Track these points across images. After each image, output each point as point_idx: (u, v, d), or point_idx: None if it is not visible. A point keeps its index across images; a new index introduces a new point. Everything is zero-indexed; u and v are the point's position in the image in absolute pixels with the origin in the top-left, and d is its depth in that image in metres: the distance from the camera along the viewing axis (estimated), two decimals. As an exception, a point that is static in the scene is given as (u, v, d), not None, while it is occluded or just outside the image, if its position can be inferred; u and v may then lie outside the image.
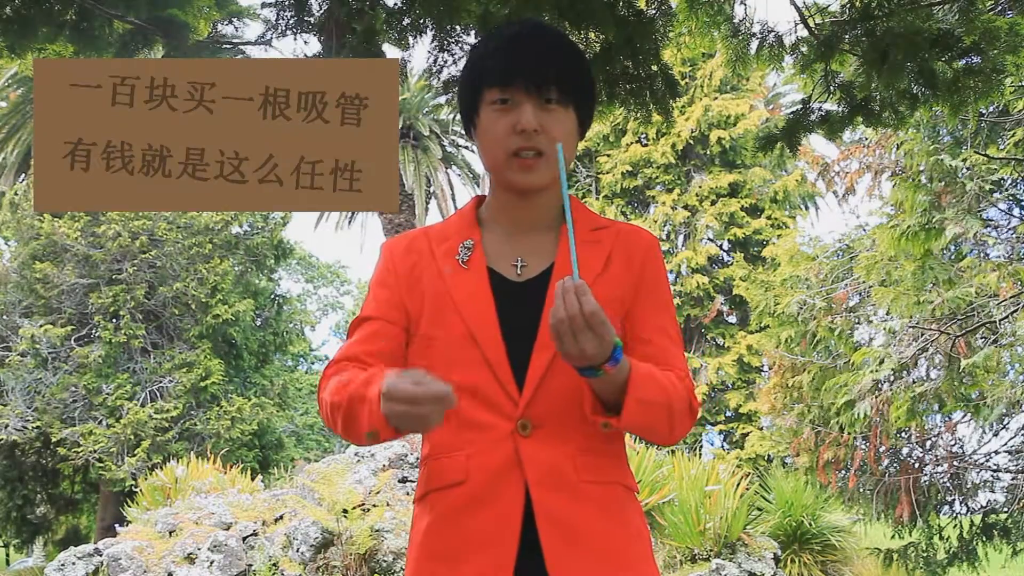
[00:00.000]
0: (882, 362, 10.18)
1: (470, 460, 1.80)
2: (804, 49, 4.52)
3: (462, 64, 4.66)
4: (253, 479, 11.42)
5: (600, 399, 1.74)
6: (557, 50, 1.84)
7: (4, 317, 18.63)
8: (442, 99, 21.41)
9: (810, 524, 10.52)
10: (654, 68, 4.49)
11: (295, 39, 4.68)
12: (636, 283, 1.90)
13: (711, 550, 9.03)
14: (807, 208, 21.81)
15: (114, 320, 18.54)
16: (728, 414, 19.66)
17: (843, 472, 11.13)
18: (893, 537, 11.49)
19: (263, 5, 4.79)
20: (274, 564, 8.30)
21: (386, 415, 1.62)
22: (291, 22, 4.58)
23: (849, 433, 10.71)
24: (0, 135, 23.64)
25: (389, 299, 1.93)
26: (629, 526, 1.83)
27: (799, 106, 4.89)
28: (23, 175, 22.74)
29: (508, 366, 1.80)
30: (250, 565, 8.34)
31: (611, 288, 1.86)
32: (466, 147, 29.40)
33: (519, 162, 1.84)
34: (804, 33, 4.50)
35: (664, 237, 19.99)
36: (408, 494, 9.32)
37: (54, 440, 17.75)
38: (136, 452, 17.33)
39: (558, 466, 1.77)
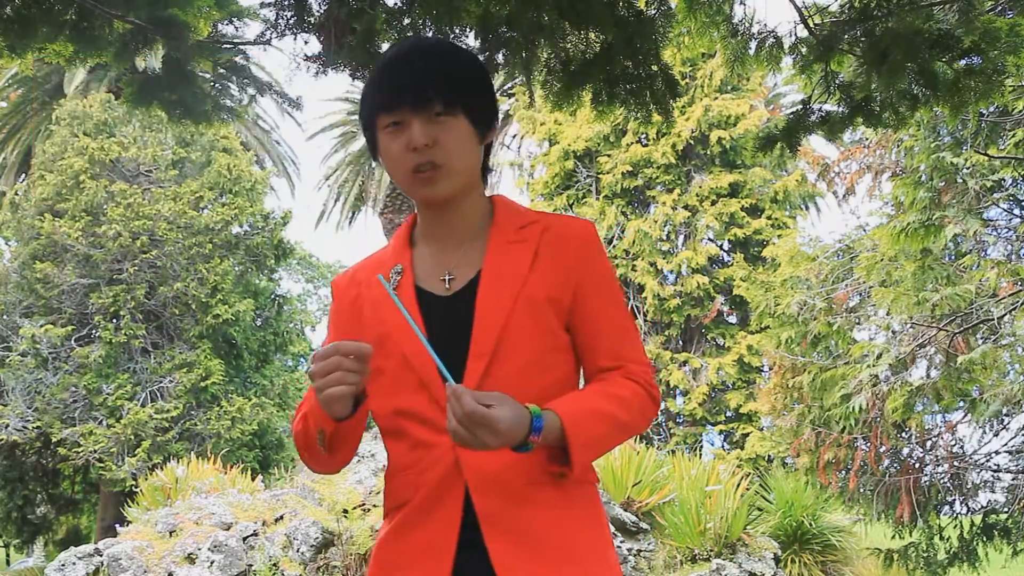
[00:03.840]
0: (880, 356, 10.18)
1: (417, 478, 1.86)
2: (803, 49, 4.51)
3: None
4: (253, 479, 11.43)
5: (550, 450, 1.77)
6: (435, 63, 1.87)
7: (4, 317, 18.65)
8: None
9: (810, 524, 10.52)
10: (654, 68, 4.48)
11: (295, 39, 4.67)
12: (573, 278, 1.90)
13: (711, 550, 9.03)
14: (807, 208, 21.80)
15: (114, 320, 18.56)
16: (728, 414, 19.65)
17: (843, 472, 11.12)
18: (893, 537, 11.49)
19: (263, 5, 4.79)
20: (274, 564, 8.30)
21: (314, 390, 1.73)
22: (291, 22, 4.57)
23: (849, 433, 10.71)
24: (0, 135, 23.67)
25: (336, 336, 2.00)
26: (576, 520, 1.85)
27: (799, 106, 4.88)
28: (23, 175, 22.76)
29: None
30: (250, 565, 8.35)
31: (540, 288, 1.87)
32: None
33: (418, 177, 1.88)
34: (804, 33, 4.50)
35: (664, 237, 19.98)
36: (408, 494, 9.32)
37: (54, 440, 17.77)
38: (136, 452, 17.35)
39: (499, 470, 1.81)
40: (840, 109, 4.67)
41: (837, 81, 4.52)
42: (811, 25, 4.42)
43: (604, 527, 1.92)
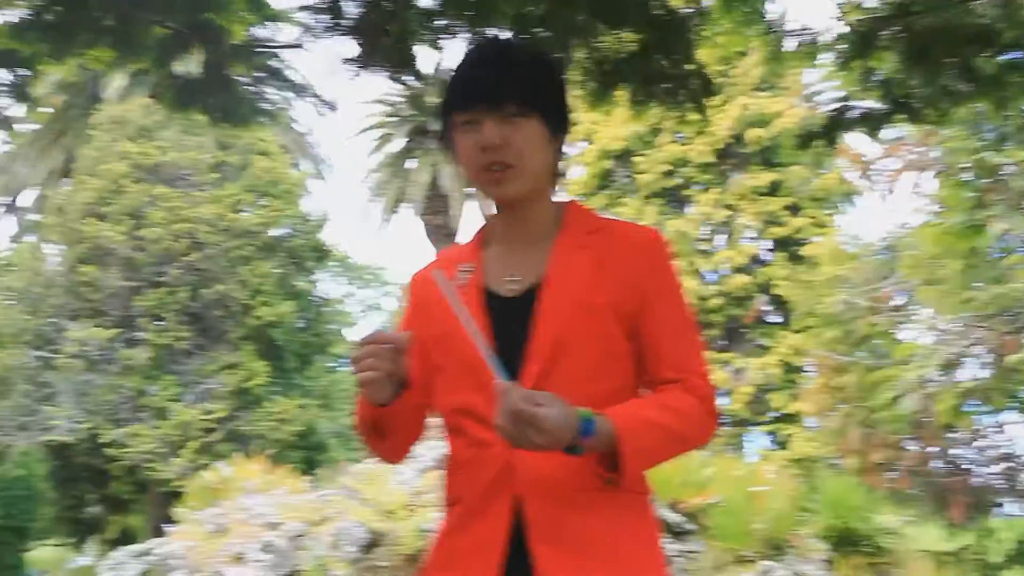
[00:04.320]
0: (928, 357, 10.07)
1: (472, 476, 1.87)
2: (842, 46, 4.45)
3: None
4: (299, 480, 11.48)
5: (600, 456, 1.76)
6: (511, 64, 1.88)
7: (52, 320, 18.88)
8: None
9: (859, 526, 10.40)
10: (689, 67, 4.45)
11: (330, 42, 4.69)
12: (638, 287, 1.88)
13: (758, 552, 8.94)
14: (848, 207, 21.59)
15: (159, 322, 18.73)
16: (772, 415, 19.49)
17: (892, 473, 11.00)
18: (946, 539, 11.34)
19: (299, 8, 4.81)
20: (321, 564, 8.35)
21: (352, 373, 1.78)
22: (326, 25, 4.59)
23: (897, 433, 10.59)
24: (44, 141, 23.98)
25: (409, 331, 1.96)
26: (627, 529, 1.84)
27: (838, 104, 4.82)
28: (66, 179, 23.04)
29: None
30: (298, 565, 8.41)
31: (602, 295, 1.86)
32: (504, 147, 29.39)
33: (489, 176, 1.89)
34: (842, 30, 4.44)
35: (704, 237, 19.85)
36: (451, 495, 9.34)
37: (103, 441, 17.97)
38: (183, 453, 17.52)
39: (550, 475, 1.80)
40: (880, 106, 4.61)
41: (876, 77, 4.46)
42: (849, 22, 4.36)
43: (656, 540, 1.90)
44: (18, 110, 6.28)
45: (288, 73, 5.80)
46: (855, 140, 19.51)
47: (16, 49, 4.67)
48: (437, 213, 28.18)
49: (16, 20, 4.60)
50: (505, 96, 1.84)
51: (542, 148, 1.89)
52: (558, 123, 1.92)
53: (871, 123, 4.68)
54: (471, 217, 28.83)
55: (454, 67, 1.96)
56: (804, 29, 4.47)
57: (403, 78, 4.83)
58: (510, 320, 1.87)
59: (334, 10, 4.56)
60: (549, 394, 1.68)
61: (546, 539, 1.80)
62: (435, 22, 4.35)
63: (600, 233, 1.93)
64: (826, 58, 4.60)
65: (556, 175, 1.98)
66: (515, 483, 1.82)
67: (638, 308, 1.87)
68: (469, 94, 1.87)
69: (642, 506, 1.89)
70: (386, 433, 1.92)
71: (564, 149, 1.98)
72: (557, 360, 1.83)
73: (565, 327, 1.84)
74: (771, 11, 4.45)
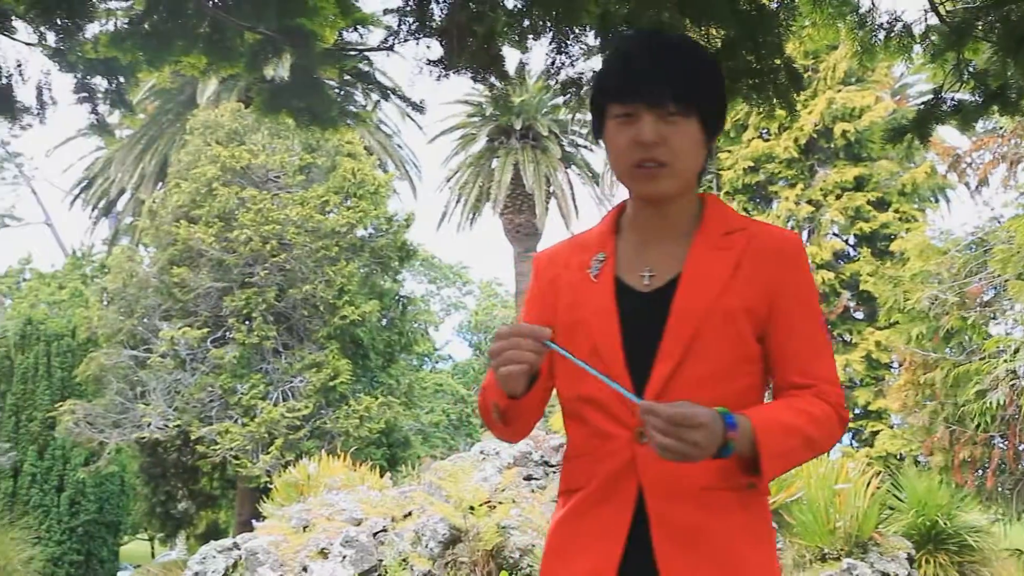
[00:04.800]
0: (1017, 351, 9.82)
1: (592, 466, 1.87)
2: (934, 38, 4.36)
3: (580, 66, 4.65)
4: (382, 476, 11.58)
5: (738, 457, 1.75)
6: (675, 62, 1.84)
7: (145, 320, 19.22)
8: (560, 100, 21.42)
9: (945, 524, 10.18)
10: (777, 62, 4.39)
11: (416, 44, 4.72)
12: (772, 290, 1.85)
13: (841, 549, 8.80)
14: (937, 201, 21.11)
15: (247, 322, 18.97)
16: (857, 411, 19.15)
17: (980, 471, 10.75)
18: (1035, 538, 11.06)
19: (386, 12, 4.85)
20: (404, 559, 8.41)
21: (492, 366, 1.77)
22: (413, 27, 4.63)
23: (985, 430, 10.34)
24: (139, 146, 24.50)
25: (533, 314, 2.00)
26: (746, 529, 1.83)
27: (930, 96, 4.72)
28: (160, 183, 23.51)
29: (628, 381, 1.83)
30: (381, 560, 8.48)
31: (738, 298, 1.84)
32: (585, 146, 29.33)
33: (641, 172, 1.86)
34: (934, 21, 4.35)
35: (788, 233, 19.59)
36: (533, 491, 9.35)
37: (193, 438, 18.24)
38: (270, 450, 17.74)
39: (675, 470, 1.78)
40: (974, 98, 4.50)
41: (970, 69, 4.35)
42: (942, 12, 4.27)
43: (772, 542, 1.90)
44: (115, 116, 6.42)
45: (375, 76, 5.86)
46: (945, 133, 19.12)
47: (115, 57, 4.79)
48: (519, 212, 28.21)
49: (115, 29, 4.72)
50: (668, 95, 1.82)
51: (697, 148, 1.87)
52: (715, 123, 1.89)
53: (964, 115, 4.58)
54: (552, 216, 28.83)
55: (610, 52, 1.96)
56: (895, 21, 4.38)
57: (488, 79, 4.84)
58: (643, 316, 1.86)
59: (421, 13, 4.60)
60: (685, 402, 1.67)
61: (669, 536, 1.80)
62: (521, 23, 4.36)
63: (738, 234, 1.90)
64: (918, 50, 4.50)
65: (702, 173, 1.96)
66: (639, 477, 1.82)
67: (770, 311, 1.85)
68: (630, 88, 1.84)
69: (762, 508, 1.88)
70: (511, 420, 1.92)
71: (715, 147, 1.96)
72: (687, 361, 1.82)
73: (698, 329, 1.82)
74: (861, 3, 4.37)
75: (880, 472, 10.49)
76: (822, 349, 1.88)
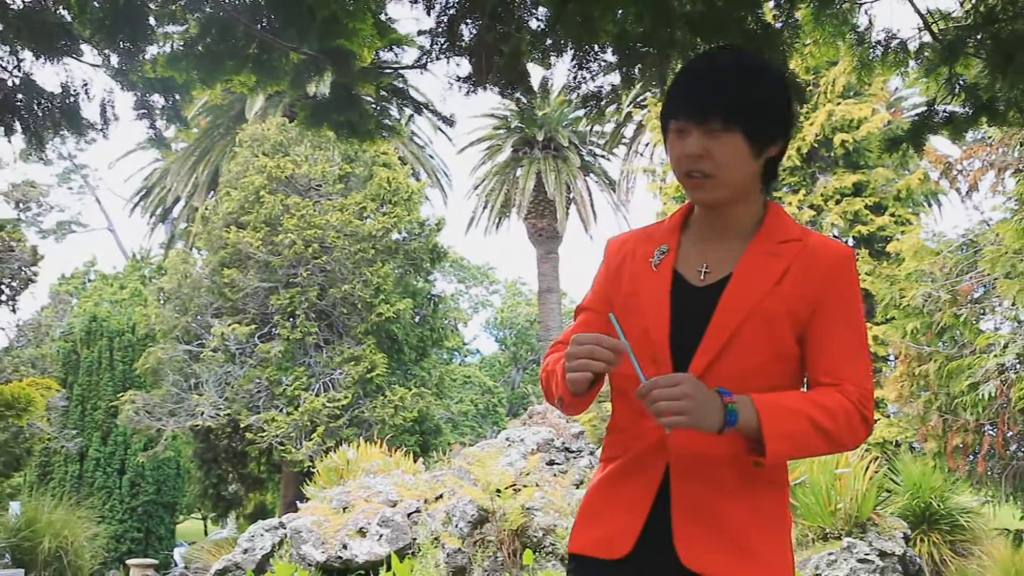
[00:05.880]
0: (1006, 346, 9.73)
1: (629, 440, 1.91)
2: (928, 54, 4.32)
3: (599, 80, 4.65)
4: (415, 461, 11.59)
5: (749, 441, 1.77)
6: (722, 82, 1.86)
7: (198, 317, 19.33)
8: (580, 112, 21.36)
9: (939, 506, 10.12)
10: (782, 77, 4.36)
11: (447, 62, 4.72)
12: (814, 296, 1.85)
13: (842, 529, 8.76)
14: (930, 205, 20.96)
15: (291, 319, 19.05)
16: (855, 401, 19.04)
17: (971, 457, 10.66)
18: (1022, 518, 10.95)
19: (419, 33, 4.86)
20: (435, 538, 8.42)
21: (566, 368, 1.80)
22: (444, 47, 4.63)
23: (976, 419, 10.25)
24: (193, 158, 24.64)
25: (599, 292, 2.05)
26: (763, 516, 1.83)
27: (923, 108, 4.69)
28: (212, 192, 23.63)
29: (670, 365, 1.85)
30: (414, 539, 8.49)
31: (781, 303, 1.84)
32: (602, 156, 29.28)
33: (689, 182, 1.89)
34: (928, 38, 4.31)
35: (791, 235, 19.48)
36: (555, 475, 9.34)
37: (242, 426, 18.33)
38: (312, 437, 17.79)
39: (702, 454, 1.80)
40: (965, 110, 4.46)
41: (962, 83, 4.32)
42: (935, 30, 4.23)
43: (788, 532, 1.89)
44: (171, 130, 6.46)
45: (409, 92, 5.87)
46: (938, 142, 18.96)
47: (172, 76, 4.82)
48: (541, 217, 28.19)
49: (172, 51, 4.75)
50: (710, 112, 1.84)
51: (743, 161, 1.87)
52: (765, 137, 1.88)
53: (956, 126, 4.54)
54: (572, 221, 28.79)
55: (676, 75, 1.98)
56: (891, 38, 4.35)
57: (514, 94, 4.84)
58: (693, 308, 1.88)
59: (451, 33, 4.60)
60: (688, 376, 1.71)
61: (686, 514, 1.81)
62: (544, 42, 4.35)
63: (794, 244, 1.90)
64: (912, 65, 4.47)
65: (768, 180, 1.97)
66: (669, 456, 1.84)
67: (811, 316, 1.85)
68: (680, 105, 1.88)
69: (780, 498, 1.88)
70: (570, 406, 1.96)
71: (780, 156, 1.95)
72: (724, 357, 1.83)
73: (739, 327, 1.83)
74: (859, 22, 4.34)
75: (878, 457, 10.43)
76: (855, 355, 1.86)
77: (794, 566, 1.88)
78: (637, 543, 1.85)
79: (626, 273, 2.00)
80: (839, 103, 18.82)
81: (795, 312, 1.84)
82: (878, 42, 4.33)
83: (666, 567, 1.82)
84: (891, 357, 17.32)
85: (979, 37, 4.03)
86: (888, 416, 17.65)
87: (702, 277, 1.91)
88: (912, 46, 4.35)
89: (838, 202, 19.02)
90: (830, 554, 8.31)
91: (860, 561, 8.21)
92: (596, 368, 1.78)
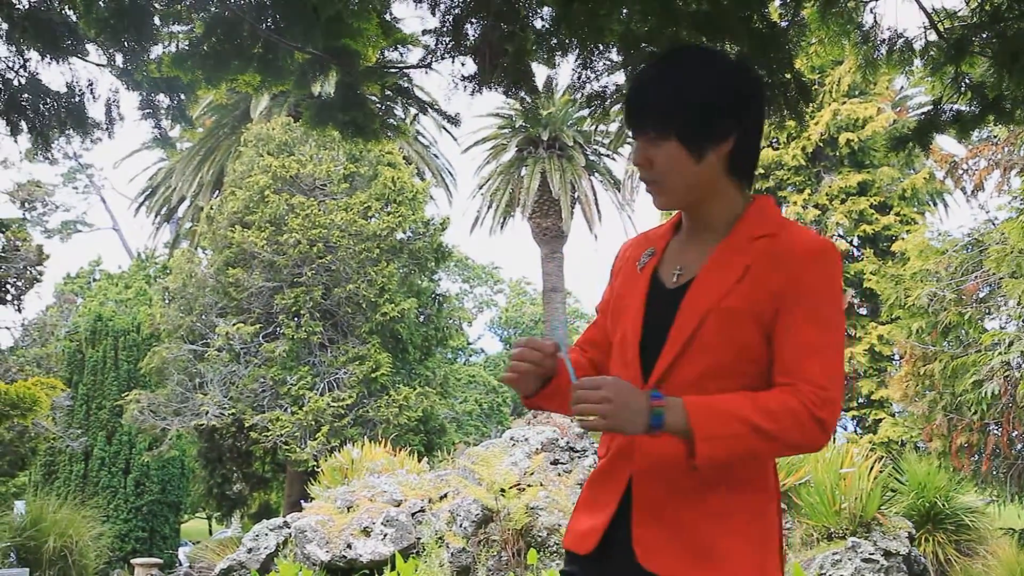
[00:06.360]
0: (1011, 345, 9.72)
1: (610, 440, 1.93)
2: (934, 52, 4.31)
3: (604, 80, 4.64)
4: (419, 461, 11.59)
5: (686, 444, 1.76)
6: (653, 92, 1.87)
7: (203, 317, 19.34)
8: (585, 112, 21.36)
9: (943, 505, 10.10)
10: (787, 76, 4.36)
11: (452, 62, 4.72)
12: (777, 295, 1.80)
13: (847, 529, 8.75)
14: (935, 205, 20.93)
15: (296, 319, 19.06)
16: (860, 400, 19.01)
17: (976, 456, 10.64)
18: (1027, 518, 10.94)
19: (424, 32, 4.86)
20: (440, 537, 8.42)
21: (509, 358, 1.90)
22: (449, 47, 4.62)
23: (981, 418, 10.24)
24: (198, 157, 24.65)
25: (605, 296, 2.08)
26: (727, 516, 1.80)
27: (929, 107, 4.67)
28: (217, 191, 23.64)
29: (639, 367, 1.87)
30: (419, 538, 8.49)
31: (741, 301, 1.81)
32: (607, 155, 29.25)
33: (647, 189, 1.93)
34: (933, 37, 4.30)
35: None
36: (559, 475, 9.35)
37: (247, 425, 18.34)
38: (317, 436, 17.80)
39: (663, 457, 1.80)
40: (971, 108, 4.45)
41: (968, 81, 4.30)
42: (941, 29, 4.22)
43: (766, 542, 1.84)
44: (176, 130, 6.47)
45: (414, 91, 5.87)
46: (943, 141, 18.93)
47: (177, 76, 4.82)
48: (546, 216, 28.18)
49: (177, 51, 4.75)
50: (643, 123, 1.86)
51: (683, 165, 1.85)
52: (705, 138, 1.85)
53: (962, 125, 4.52)
54: (576, 220, 28.78)
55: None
56: (897, 37, 4.34)
57: (519, 94, 4.83)
58: (663, 311, 1.88)
59: (456, 33, 4.60)
60: (611, 380, 1.74)
61: (645, 515, 1.82)
62: (549, 41, 4.35)
63: (765, 239, 1.86)
64: (918, 64, 4.46)
65: (738, 176, 1.93)
66: (634, 458, 1.85)
67: (775, 314, 1.81)
68: (624, 119, 1.92)
69: (750, 504, 1.83)
70: (545, 407, 2.01)
71: (742, 151, 1.91)
72: (684, 358, 1.82)
73: (698, 327, 1.82)
74: (865, 21, 4.34)
75: (882, 457, 10.43)
76: (816, 352, 1.78)
77: (770, 569, 1.83)
78: (601, 541, 1.87)
79: (620, 277, 2.03)
80: (844, 102, 18.81)
81: (758, 310, 1.80)
82: (883, 41, 4.32)
83: (625, 566, 1.82)
84: (896, 357, 17.31)
85: (985, 35, 4.02)
86: (893, 416, 17.64)
87: (675, 279, 1.91)
88: (918, 45, 4.33)
89: (843, 201, 19.01)
90: (835, 554, 8.31)
91: (865, 561, 8.21)
92: (521, 369, 1.85)
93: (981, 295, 10.91)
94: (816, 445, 1.78)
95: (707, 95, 1.85)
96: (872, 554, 8.27)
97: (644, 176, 1.90)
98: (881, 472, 9.40)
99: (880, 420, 17.99)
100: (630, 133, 1.91)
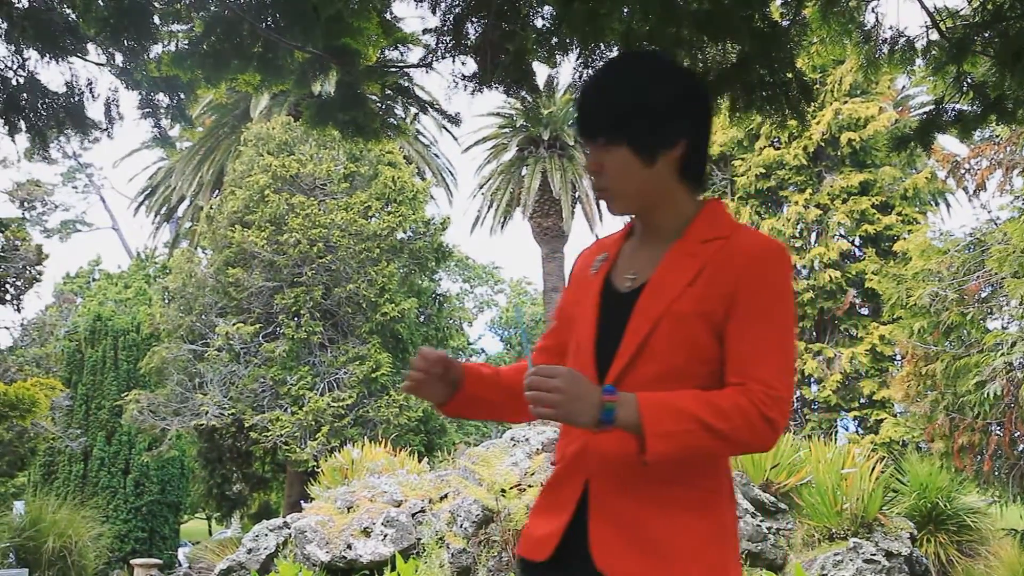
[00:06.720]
0: (1014, 345, 9.72)
1: (564, 446, 1.96)
2: (935, 52, 4.31)
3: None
4: (420, 461, 11.59)
5: (637, 440, 1.77)
6: (598, 98, 1.91)
7: (203, 317, 19.35)
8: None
9: (945, 506, 10.11)
10: (789, 75, 4.35)
11: (452, 61, 4.72)
12: (728, 297, 1.82)
13: (848, 529, 8.74)
14: (937, 204, 20.92)
15: (296, 319, 19.06)
16: (862, 401, 19.00)
17: (978, 456, 10.64)
18: (1029, 518, 10.94)
19: (424, 31, 4.86)
20: (440, 538, 8.42)
21: None
22: (449, 46, 4.63)
23: (983, 419, 10.24)
24: (198, 157, 24.65)
25: (560, 303, 2.10)
26: (680, 517, 1.82)
27: (931, 107, 4.67)
28: (216, 191, 23.65)
29: (594, 371, 1.88)
30: (419, 539, 8.49)
31: (693, 303, 1.83)
32: (608, 155, 29.23)
33: (599, 196, 1.98)
34: (935, 36, 4.30)
35: (797, 235, 19.44)
36: (560, 475, 9.33)
37: (247, 425, 18.34)
38: (317, 436, 17.81)
39: (617, 459, 1.82)
40: (973, 108, 4.44)
41: (970, 81, 4.30)
42: (943, 28, 4.22)
43: (716, 538, 1.85)
44: (176, 129, 6.47)
45: (414, 91, 5.87)
46: (945, 141, 18.92)
47: (177, 75, 4.82)
48: (546, 216, 28.19)
49: (176, 50, 4.75)
50: (593, 130, 1.90)
51: (634, 170, 1.88)
52: (655, 143, 1.88)
53: (964, 125, 4.52)
54: (577, 220, 28.80)
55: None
56: (898, 36, 4.34)
57: (520, 93, 4.83)
58: (617, 315, 1.90)
59: (456, 32, 4.60)
60: (566, 370, 1.74)
61: (604, 518, 1.84)
62: (550, 40, 4.35)
63: (716, 242, 1.88)
64: (919, 63, 4.45)
65: (689, 180, 1.95)
66: (588, 462, 1.87)
67: (726, 315, 1.83)
68: (576, 127, 1.96)
69: (705, 503, 1.85)
70: (467, 415, 2.10)
71: (692, 155, 1.93)
72: (638, 362, 1.84)
73: (651, 331, 1.84)
74: (866, 20, 4.33)
75: (884, 457, 10.42)
76: (767, 352, 1.80)
77: (725, 568, 1.85)
78: (559, 546, 1.88)
79: (574, 284, 2.06)
80: (846, 102, 18.80)
81: (710, 312, 1.82)
82: (885, 40, 4.32)
83: (583, 571, 1.83)
84: (898, 357, 17.30)
85: (987, 35, 4.02)
86: (895, 416, 17.63)
87: (628, 284, 1.93)
88: (919, 44, 4.33)
89: (844, 201, 19.00)
90: (836, 554, 8.30)
91: (866, 561, 8.20)
92: (414, 378, 1.93)
93: (983, 295, 10.91)
94: (766, 444, 1.80)
95: (657, 101, 1.88)
96: (874, 555, 8.27)
97: (597, 183, 1.92)
98: (883, 473, 9.40)
99: (882, 420, 17.99)
100: (581, 141, 1.95)
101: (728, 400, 1.76)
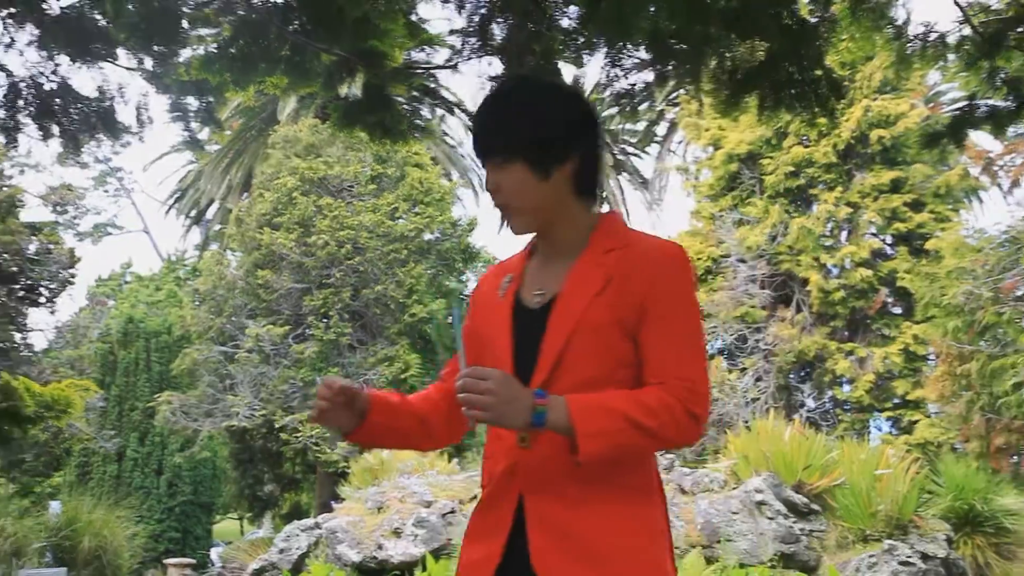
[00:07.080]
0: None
1: (491, 467, 1.98)
2: (968, 47, 4.26)
3: (632, 78, 4.62)
4: (450, 462, 11.61)
5: (569, 441, 1.78)
6: (492, 117, 1.96)
7: (233, 319, 19.46)
8: (613, 111, 21.33)
9: (982, 507, 9.97)
10: (818, 73, 4.32)
11: (479, 62, 4.73)
12: (639, 302, 1.86)
13: (883, 531, 8.65)
14: (970, 202, 20.66)
15: (325, 320, 19.14)
16: (895, 401, 18.81)
17: (1015, 457, 10.51)
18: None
19: (450, 33, 4.86)
20: (470, 539, 8.41)
21: None
22: (475, 47, 4.63)
23: (1020, 419, 10.11)
24: (226, 160, 24.82)
25: (466, 327, 2.09)
26: (616, 520, 1.83)
27: (964, 103, 4.62)
28: (245, 193, 23.79)
29: None
30: (450, 539, 8.50)
31: (605, 312, 1.86)
32: (635, 154, 29.19)
33: (501, 214, 1.98)
34: (968, 31, 4.25)
35: (827, 233, 19.26)
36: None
37: (277, 426, 18.44)
38: (347, 437, 17.83)
39: (549, 473, 1.84)
40: (1007, 104, 4.39)
41: (1003, 76, 4.25)
42: (975, 23, 4.16)
43: (651, 536, 1.88)
44: (205, 132, 6.52)
45: (440, 92, 5.87)
46: (977, 137, 18.71)
47: (206, 79, 4.86)
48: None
49: (205, 54, 4.78)
50: (488, 149, 1.93)
51: (531, 187, 1.92)
52: (550, 159, 1.92)
53: (997, 121, 4.47)
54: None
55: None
56: (929, 32, 4.29)
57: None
58: (531, 331, 1.92)
59: (482, 33, 4.60)
60: (498, 373, 1.75)
61: (542, 530, 1.85)
62: (576, 40, 4.33)
63: (619, 251, 1.92)
64: (951, 59, 4.40)
65: (584, 195, 1.99)
66: (520, 478, 1.88)
67: (638, 320, 1.86)
68: (473, 148, 1.98)
69: (638, 503, 1.88)
70: (378, 443, 2.15)
71: (586, 170, 1.97)
72: (557, 374, 1.86)
73: (566, 343, 1.86)
74: (897, 16, 4.29)
75: (919, 458, 10.31)
76: (683, 351, 1.86)
77: (661, 565, 1.88)
78: (501, 564, 1.89)
79: (479, 306, 2.07)
80: (876, 99, 18.62)
81: (622, 319, 1.85)
82: (916, 36, 4.27)
83: None
84: (931, 356, 17.13)
85: (1020, 29, 3.97)
86: (929, 416, 17.45)
87: (537, 300, 1.95)
88: (951, 40, 4.28)
89: (876, 199, 18.82)
90: (871, 556, 8.22)
91: (902, 564, 8.12)
92: (318, 407, 1.94)
93: (1019, 293, 10.78)
94: (691, 439, 1.85)
95: (549, 118, 1.93)
96: (909, 557, 8.19)
97: (496, 201, 1.94)
98: (917, 474, 9.30)
99: (916, 421, 17.80)
100: (480, 162, 1.96)
101: (654, 398, 1.79)
